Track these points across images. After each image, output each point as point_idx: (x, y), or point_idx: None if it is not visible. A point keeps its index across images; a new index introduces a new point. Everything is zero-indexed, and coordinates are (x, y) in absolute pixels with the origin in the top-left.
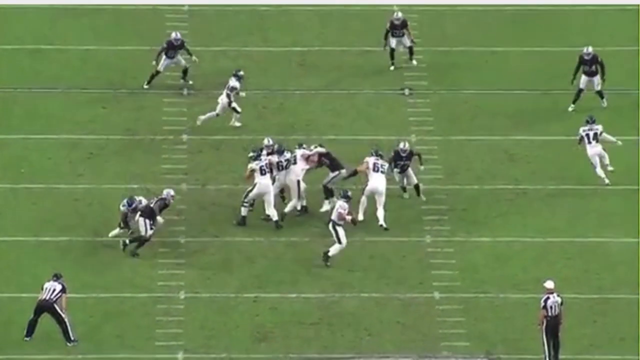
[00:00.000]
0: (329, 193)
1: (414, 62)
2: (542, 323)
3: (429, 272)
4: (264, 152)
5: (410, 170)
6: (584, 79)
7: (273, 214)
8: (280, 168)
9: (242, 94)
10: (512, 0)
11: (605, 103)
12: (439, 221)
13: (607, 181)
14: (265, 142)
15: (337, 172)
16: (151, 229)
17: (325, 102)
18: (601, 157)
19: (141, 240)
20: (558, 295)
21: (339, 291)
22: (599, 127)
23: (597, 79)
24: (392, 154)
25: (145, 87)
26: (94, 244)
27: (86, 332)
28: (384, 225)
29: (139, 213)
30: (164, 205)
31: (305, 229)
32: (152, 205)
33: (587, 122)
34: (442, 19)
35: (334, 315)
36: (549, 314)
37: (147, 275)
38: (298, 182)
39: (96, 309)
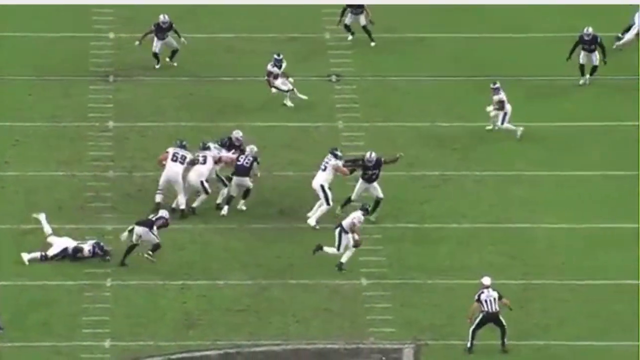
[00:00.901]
0: (225, 201)
1: (373, 43)
2: (472, 315)
3: (356, 258)
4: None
5: (376, 183)
6: (583, 54)
7: (182, 202)
8: (196, 162)
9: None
10: None
11: (587, 81)
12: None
13: (520, 130)
14: (235, 134)
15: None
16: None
17: (253, 88)
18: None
19: (158, 247)
20: (494, 290)
21: (267, 278)
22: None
23: (595, 55)
24: (360, 164)
25: (157, 67)
26: (20, 231)
27: (12, 320)
28: (312, 224)
29: (138, 226)
30: (163, 224)
31: (232, 218)
32: (152, 218)
33: (497, 88)
34: (369, 5)
35: (262, 302)
36: (485, 308)
37: (73, 263)
38: (202, 182)
39: (22, 297)
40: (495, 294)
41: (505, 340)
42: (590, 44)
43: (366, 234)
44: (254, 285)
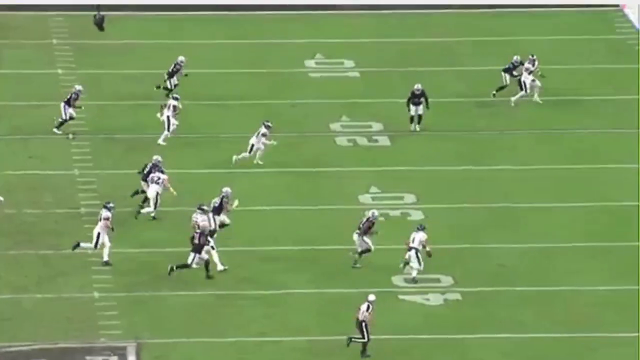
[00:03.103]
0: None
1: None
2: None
3: (90, 276)
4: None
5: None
6: (412, 107)
7: None
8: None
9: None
10: None
11: (418, 128)
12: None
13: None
14: (155, 158)
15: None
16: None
17: (17, 147)
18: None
19: (187, 267)
20: (367, 303)
21: (17, 293)
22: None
23: (421, 107)
24: (365, 221)
25: (58, 131)
26: None
27: None
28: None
29: (192, 252)
30: (205, 240)
31: (5, 241)
32: (198, 242)
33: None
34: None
35: (17, 312)
36: (357, 314)
37: None
38: (156, 195)
39: None
40: (364, 306)
41: (365, 349)
42: (419, 97)
43: (98, 256)
44: (10, 299)
